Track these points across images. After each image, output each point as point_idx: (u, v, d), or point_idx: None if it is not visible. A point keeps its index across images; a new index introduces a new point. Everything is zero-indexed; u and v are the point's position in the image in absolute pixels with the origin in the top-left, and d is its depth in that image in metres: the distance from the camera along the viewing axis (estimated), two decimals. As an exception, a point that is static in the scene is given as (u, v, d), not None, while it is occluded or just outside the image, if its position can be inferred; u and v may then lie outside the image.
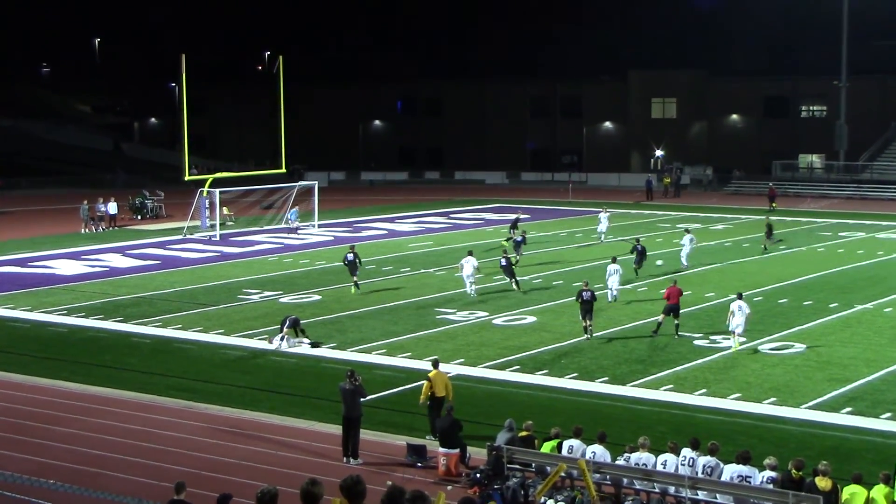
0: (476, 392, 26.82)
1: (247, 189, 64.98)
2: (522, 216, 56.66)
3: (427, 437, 22.91)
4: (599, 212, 56.46)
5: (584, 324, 32.22)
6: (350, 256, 40.09)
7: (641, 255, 42.69)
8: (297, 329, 31.80)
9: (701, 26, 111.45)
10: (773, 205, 70.12)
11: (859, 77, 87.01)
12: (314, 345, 31.54)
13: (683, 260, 45.13)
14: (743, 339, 30.80)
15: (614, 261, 37.88)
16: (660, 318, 32.33)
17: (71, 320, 35.60)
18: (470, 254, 39.38)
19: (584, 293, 32.25)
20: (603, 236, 53.68)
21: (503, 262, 40.22)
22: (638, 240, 44.85)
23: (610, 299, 37.17)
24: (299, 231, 58.05)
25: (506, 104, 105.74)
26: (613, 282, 37.28)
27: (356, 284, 39.90)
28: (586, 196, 79.33)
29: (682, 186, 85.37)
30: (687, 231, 47.35)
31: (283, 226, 59.90)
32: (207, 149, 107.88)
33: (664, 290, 33.40)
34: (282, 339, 31.30)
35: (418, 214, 68.05)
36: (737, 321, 30.49)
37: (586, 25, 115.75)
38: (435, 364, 23.99)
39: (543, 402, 25.85)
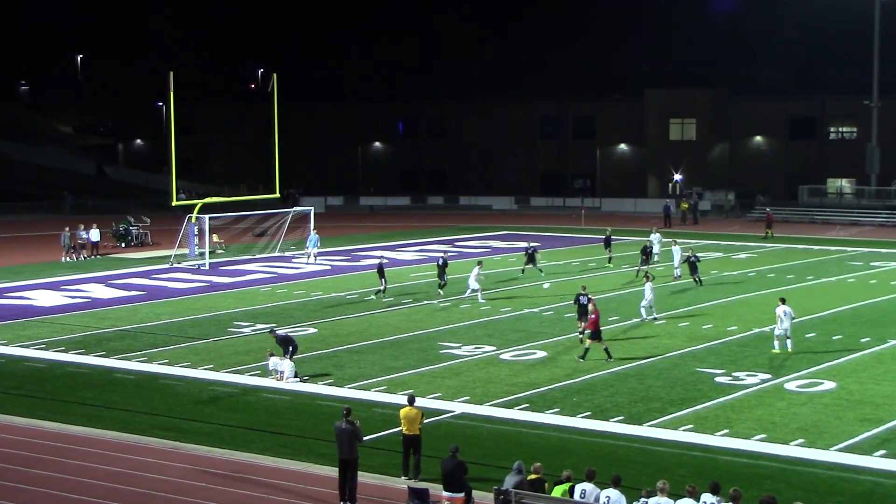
0: (482, 432, 26.80)
1: (238, 215, 65.10)
2: (610, 231, 59.39)
3: (402, 478, 23.14)
4: (650, 231, 60.66)
5: (580, 327, 36.31)
6: (380, 267, 46.18)
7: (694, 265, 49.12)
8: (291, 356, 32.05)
9: (722, 42, 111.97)
10: (769, 231, 70.28)
11: (891, 96, 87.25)
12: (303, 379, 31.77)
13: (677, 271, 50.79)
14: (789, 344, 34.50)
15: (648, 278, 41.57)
16: (587, 344, 34.13)
17: (49, 355, 35.60)
18: (479, 264, 45.89)
19: (581, 297, 36.88)
20: (657, 256, 56.29)
21: (440, 261, 47.64)
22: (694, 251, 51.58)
23: (647, 318, 39.95)
24: (316, 259, 58.01)
25: (514, 125, 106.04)
26: (650, 299, 40.39)
27: (377, 291, 45.59)
28: (600, 223, 79.28)
29: (702, 213, 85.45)
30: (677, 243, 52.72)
31: (300, 252, 59.83)
32: (196, 172, 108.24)
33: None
34: (283, 372, 31.43)
35: (421, 242, 68.13)
36: (784, 325, 34.32)
37: (600, 41, 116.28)
38: (410, 400, 24.13)
39: (554, 443, 25.82)
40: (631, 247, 59.58)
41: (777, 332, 34.74)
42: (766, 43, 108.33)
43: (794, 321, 35.08)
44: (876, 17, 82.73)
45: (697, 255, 51.33)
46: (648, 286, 40.44)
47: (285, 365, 31.68)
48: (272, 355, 32.05)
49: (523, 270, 52.63)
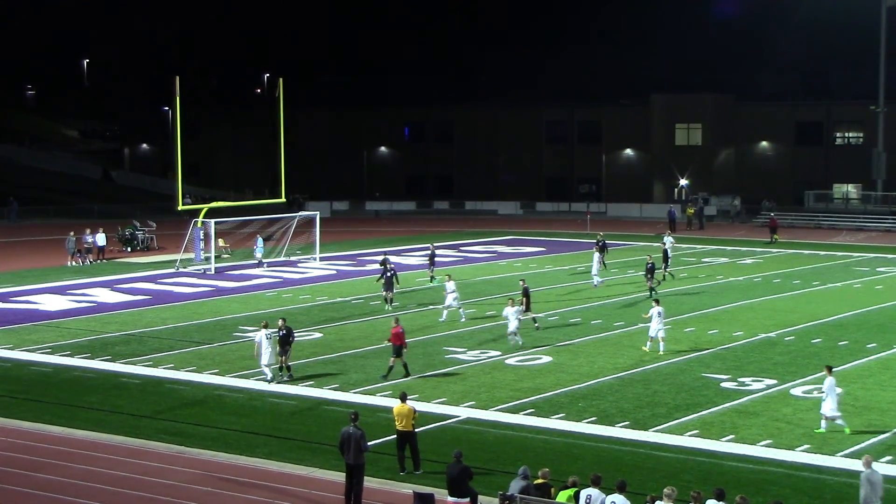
0: (487, 437, 26.78)
1: (244, 220, 65.11)
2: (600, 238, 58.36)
3: (401, 473, 23.58)
4: (664, 235, 59.96)
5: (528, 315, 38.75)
6: (388, 274, 45.03)
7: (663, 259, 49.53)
8: (285, 349, 32.32)
9: (728, 47, 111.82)
10: (775, 237, 70.29)
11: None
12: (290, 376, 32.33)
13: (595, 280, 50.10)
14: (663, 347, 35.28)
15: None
16: (390, 361, 32.73)
17: (55, 359, 35.64)
18: (449, 277, 42.89)
19: (527, 289, 39.57)
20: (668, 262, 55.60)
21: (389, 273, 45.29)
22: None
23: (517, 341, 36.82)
24: (266, 266, 57.95)
25: (520, 130, 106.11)
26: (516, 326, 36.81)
27: (388, 300, 44.63)
28: (605, 228, 79.25)
29: (708, 218, 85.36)
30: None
31: (306, 257, 60.12)
32: (202, 177, 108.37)
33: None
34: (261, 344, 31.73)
35: (426, 247, 68.03)
36: (656, 325, 35.27)
37: (605, 46, 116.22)
38: (402, 397, 24.37)
39: (560, 448, 25.80)
40: (634, 252, 59.57)
41: (651, 332, 35.57)
42: (772, 48, 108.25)
43: (798, 327, 35.04)
44: (882, 22, 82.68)
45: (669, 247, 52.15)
46: (513, 310, 36.63)
47: (265, 347, 31.72)
48: (266, 326, 32.29)
49: (431, 279, 51.69)
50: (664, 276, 51.82)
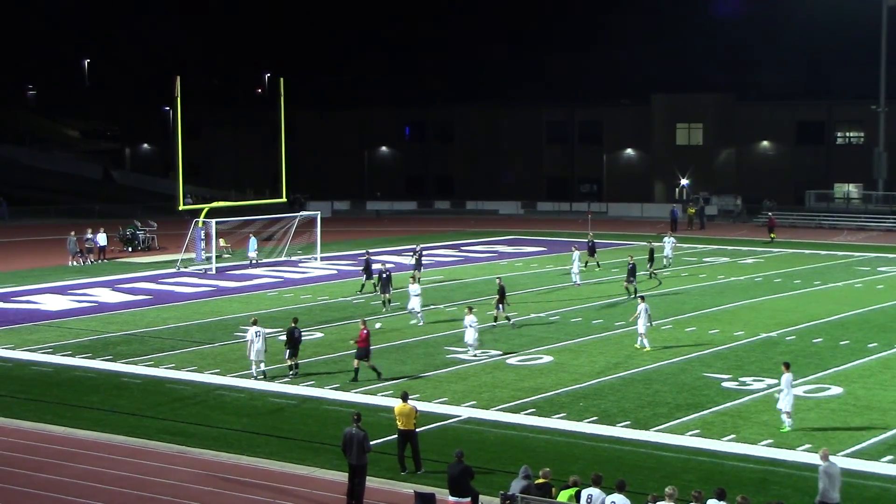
0: (489, 437, 26.80)
1: (245, 219, 65.13)
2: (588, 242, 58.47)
3: (402, 473, 23.63)
4: (665, 236, 60.73)
5: (498, 313, 39.92)
6: (384, 276, 44.55)
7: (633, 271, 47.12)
8: (293, 351, 32.77)
9: (729, 47, 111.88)
10: (772, 235, 70.36)
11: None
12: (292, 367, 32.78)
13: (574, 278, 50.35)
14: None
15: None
16: (354, 363, 32.28)
17: (56, 359, 35.66)
18: (414, 280, 42.99)
19: (502, 286, 40.40)
20: (668, 261, 56.78)
21: (383, 275, 44.70)
22: (631, 256, 48.75)
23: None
24: (257, 265, 58.23)
25: (520, 130, 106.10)
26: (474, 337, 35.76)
27: (386, 302, 44.12)
28: (606, 227, 79.35)
29: (709, 217, 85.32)
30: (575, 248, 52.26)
31: (307, 256, 60.62)
32: (203, 176, 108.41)
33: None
34: (257, 334, 32.22)
35: (427, 247, 68.05)
36: (643, 322, 35.87)
37: (607, 46, 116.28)
38: (403, 397, 24.45)
39: (561, 448, 25.82)
40: (634, 252, 59.40)
41: (640, 330, 35.97)
42: (773, 48, 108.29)
43: (799, 327, 34.95)
44: (883, 21, 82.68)
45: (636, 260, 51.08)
46: (471, 319, 35.16)
47: (256, 346, 32.18)
48: (255, 323, 32.73)
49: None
50: (658, 276, 51.86)
